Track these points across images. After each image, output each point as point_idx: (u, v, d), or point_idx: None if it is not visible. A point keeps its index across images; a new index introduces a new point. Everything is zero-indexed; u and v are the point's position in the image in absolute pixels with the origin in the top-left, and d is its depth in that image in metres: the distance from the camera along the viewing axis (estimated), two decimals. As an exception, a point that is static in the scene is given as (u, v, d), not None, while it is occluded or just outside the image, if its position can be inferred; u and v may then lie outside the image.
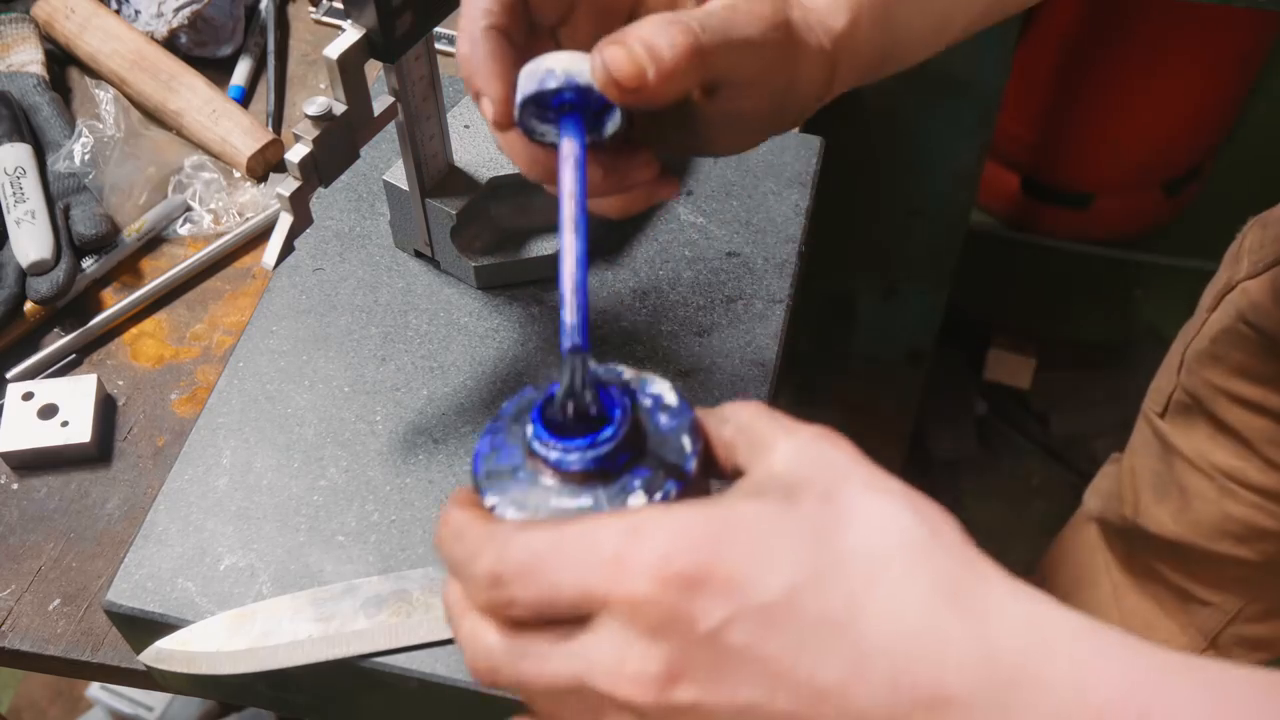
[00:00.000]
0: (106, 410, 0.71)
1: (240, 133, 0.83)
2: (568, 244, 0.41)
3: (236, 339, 0.67)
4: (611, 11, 0.48)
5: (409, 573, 0.57)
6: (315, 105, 0.56)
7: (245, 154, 0.82)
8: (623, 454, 0.40)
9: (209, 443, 0.62)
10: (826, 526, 0.34)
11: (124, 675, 0.63)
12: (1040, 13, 1.58)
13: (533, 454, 0.40)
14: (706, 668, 0.33)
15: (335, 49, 0.55)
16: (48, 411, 0.69)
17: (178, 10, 0.88)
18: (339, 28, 0.84)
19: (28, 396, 0.70)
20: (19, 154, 0.80)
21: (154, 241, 0.80)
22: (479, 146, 0.68)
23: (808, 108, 0.50)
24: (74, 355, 0.74)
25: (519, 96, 0.45)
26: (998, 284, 1.90)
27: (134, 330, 0.76)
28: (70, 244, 0.76)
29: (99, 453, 0.70)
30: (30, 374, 0.73)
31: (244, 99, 0.89)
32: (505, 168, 0.67)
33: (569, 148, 0.43)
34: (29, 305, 0.75)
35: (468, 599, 0.37)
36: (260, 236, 0.80)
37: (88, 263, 0.77)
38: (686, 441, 0.41)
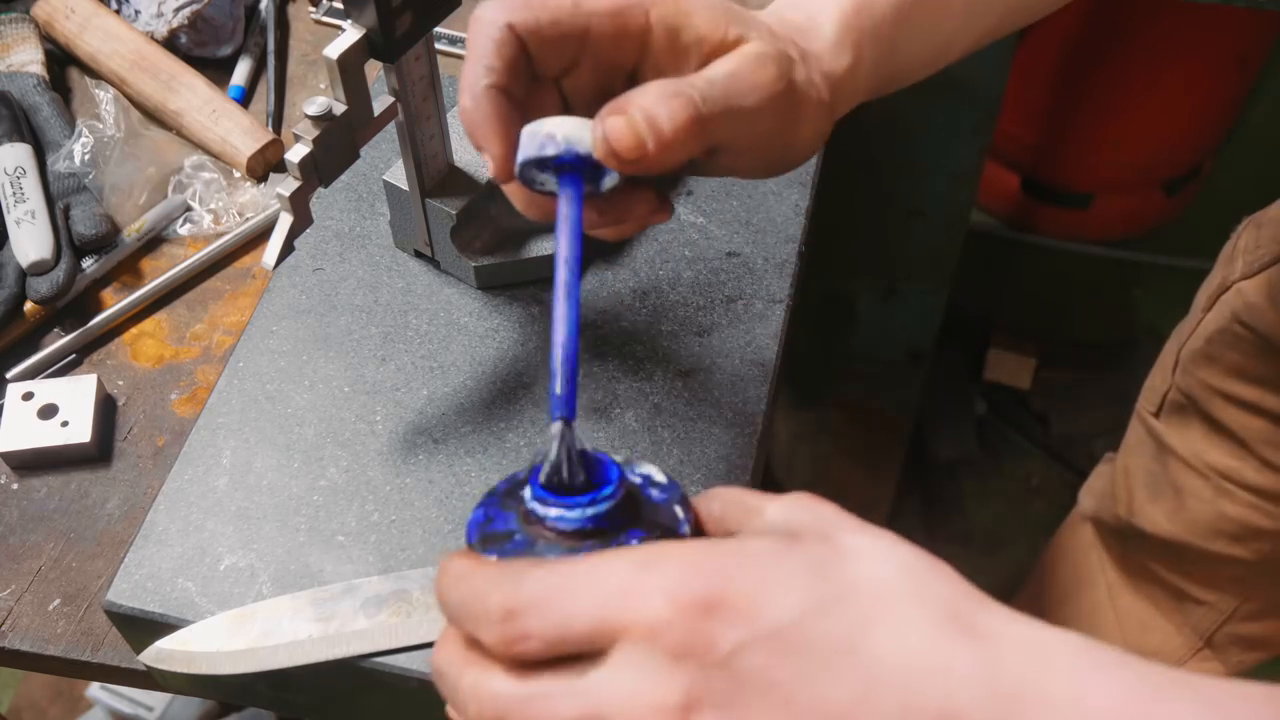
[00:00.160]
0: (106, 410, 0.71)
1: (240, 133, 0.83)
2: (561, 314, 0.42)
3: (236, 339, 0.67)
4: (614, 66, 0.48)
5: (409, 573, 0.57)
6: (315, 105, 0.57)
7: (245, 154, 0.82)
8: (619, 516, 0.40)
9: (209, 443, 0.62)
10: (829, 560, 0.35)
11: (124, 675, 0.63)
12: (1040, 13, 1.58)
13: (529, 519, 0.41)
14: (724, 694, 0.33)
15: (335, 49, 0.55)
16: (48, 411, 0.69)
17: (178, 10, 0.88)
18: (339, 28, 0.84)
19: (28, 396, 0.70)
20: (19, 154, 0.80)
21: (154, 241, 0.80)
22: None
23: (808, 156, 0.51)
24: (74, 355, 0.74)
25: (520, 156, 0.45)
26: (998, 284, 1.90)
27: (134, 330, 0.76)
28: (70, 244, 0.76)
29: (99, 453, 0.70)
30: (30, 374, 0.73)
31: (244, 99, 0.89)
32: (505, 168, 0.67)
33: (565, 210, 0.43)
34: (29, 305, 0.75)
35: (467, 653, 0.37)
36: (260, 236, 0.80)
37: (88, 263, 0.77)
38: (678, 510, 0.42)
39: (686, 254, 0.70)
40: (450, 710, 0.38)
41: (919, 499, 1.72)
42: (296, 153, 0.57)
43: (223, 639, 0.55)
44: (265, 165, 0.84)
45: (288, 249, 0.60)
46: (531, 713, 0.35)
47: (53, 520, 0.67)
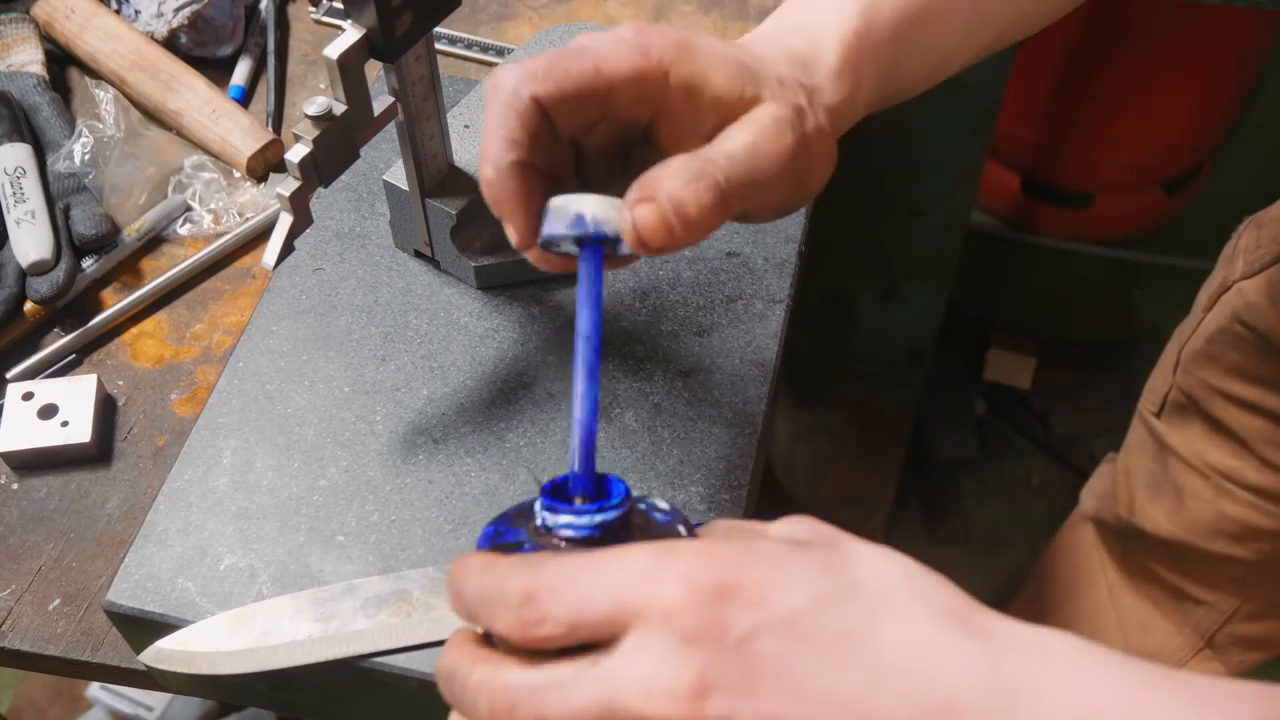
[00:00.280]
0: (106, 410, 0.71)
1: (240, 133, 0.83)
2: (581, 390, 0.43)
3: (236, 339, 0.67)
4: (631, 123, 0.48)
5: (409, 573, 0.57)
6: (315, 105, 0.57)
7: (245, 154, 0.82)
8: (625, 528, 0.42)
9: (209, 443, 0.62)
10: (835, 561, 0.37)
11: (124, 675, 0.63)
12: (1040, 13, 1.58)
13: (538, 533, 0.42)
14: (737, 678, 0.34)
15: (335, 49, 0.55)
16: (48, 411, 0.69)
17: (178, 10, 0.88)
18: (339, 28, 0.84)
19: (28, 396, 0.70)
20: (19, 154, 0.80)
21: (154, 241, 0.80)
22: (479, 146, 0.68)
23: (819, 190, 0.51)
24: (74, 355, 0.74)
25: (547, 231, 0.45)
26: (998, 284, 1.90)
27: (134, 330, 0.76)
28: (70, 244, 0.76)
29: (99, 453, 0.70)
30: (30, 374, 0.73)
31: (244, 99, 0.89)
32: (505, 168, 0.67)
33: (587, 284, 0.44)
34: (29, 305, 0.75)
35: (477, 650, 0.38)
36: (260, 236, 0.80)
37: (88, 263, 0.77)
38: (681, 529, 0.43)
39: (686, 254, 0.70)
40: (455, 717, 0.38)
41: (919, 499, 1.72)
42: (296, 153, 0.57)
43: (223, 639, 0.55)
44: (265, 165, 0.84)
45: (288, 249, 0.60)
46: (545, 700, 0.35)
47: (53, 520, 0.67)
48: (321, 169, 0.58)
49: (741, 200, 0.45)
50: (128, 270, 0.79)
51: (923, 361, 1.37)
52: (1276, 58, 1.76)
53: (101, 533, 0.67)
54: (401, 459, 0.62)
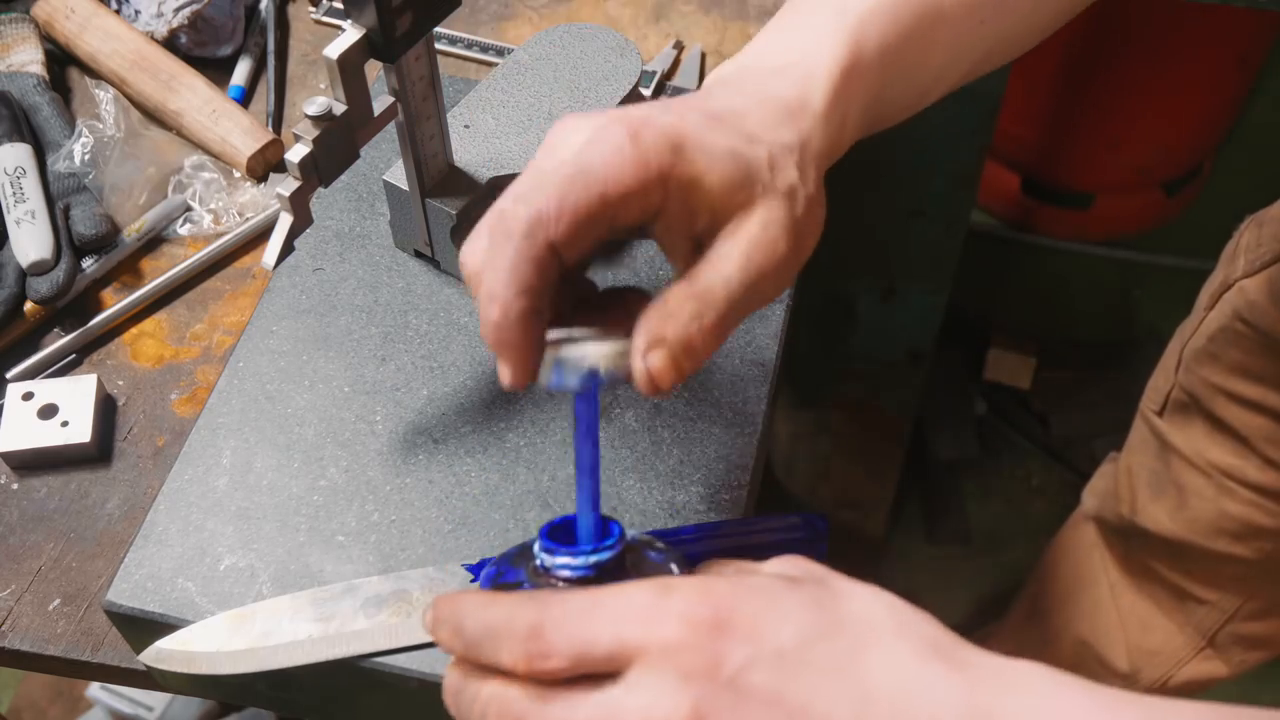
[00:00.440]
0: (106, 410, 0.71)
1: (240, 133, 0.83)
2: (586, 525, 0.45)
3: (236, 339, 0.67)
4: (628, 230, 0.47)
5: (409, 573, 0.57)
6: (315, 105, 0.57)
7: (245, 154, 0.82)
8: (620, 568, 0.44)
9: (209, 443, 0.62)
10: (824, 599, 0.39)
11: (124, 675, 0.63)
12: (1040, 13, 1.58)
13: (537, 573, 0.45)
14: (730, 709, 0.36)
15: (335, 49, 0.55)
16: (48, 411, 0.69)
17: (178, 10, 0.88)
18: (339, 28, 0.84)
19: (28, 396, 0.70)
20: (19, 154, 0.80)
21: (154, 241, 0.80)
22: (479, 146, 0.68)
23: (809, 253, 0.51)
24: (74, 355, 0.74)
25: (555, 382, 0.44)
26: (998, 284, 1.90)
27: (134, 330, 0.76)
28: (70, 244, 0.76)
29: (99, 453, 0.70)
30: (30, 374, 0.73)
31: (244, 99, 0.89)
32: (505, 168, 0.67)
33: (585, 418, 0.45)
34: (29, 305, 0.75)
35: (486, 669, 0.40)
36: (260, 236, 0.80)
37: (88, 263, 0.77)
38: (674, 567, 0.45)
39: (687, 254, 0.69)
40: None
41: (919, 499, 1.72)
42: (296, 153, 0.57)
43: (223, 639, 0.55)
44: (265, 165, 0.84)
45: (288, 249, 0.60)
46: (548, 716, 0.38)
47: (53, 520, 0.67)
48: (321, 169, 0.58)
49: (742, 316, 0.46)
50: (128, 270, 0.79)
51: (923, 361, 1.37)
52: (1276, 58, 1.76)
53: (101, 533, 0.67)
54: (401, 459, 0.61)
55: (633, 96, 0.72)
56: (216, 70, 0.89)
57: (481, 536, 0.59)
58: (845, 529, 1.57)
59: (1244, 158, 1.94)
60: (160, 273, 0.78)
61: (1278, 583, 0.98)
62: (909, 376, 1.39)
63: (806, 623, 0.38)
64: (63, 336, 0.75)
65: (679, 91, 0.87)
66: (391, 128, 0.62)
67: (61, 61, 0.91)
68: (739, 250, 0.45)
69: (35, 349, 0.74)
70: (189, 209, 0.81)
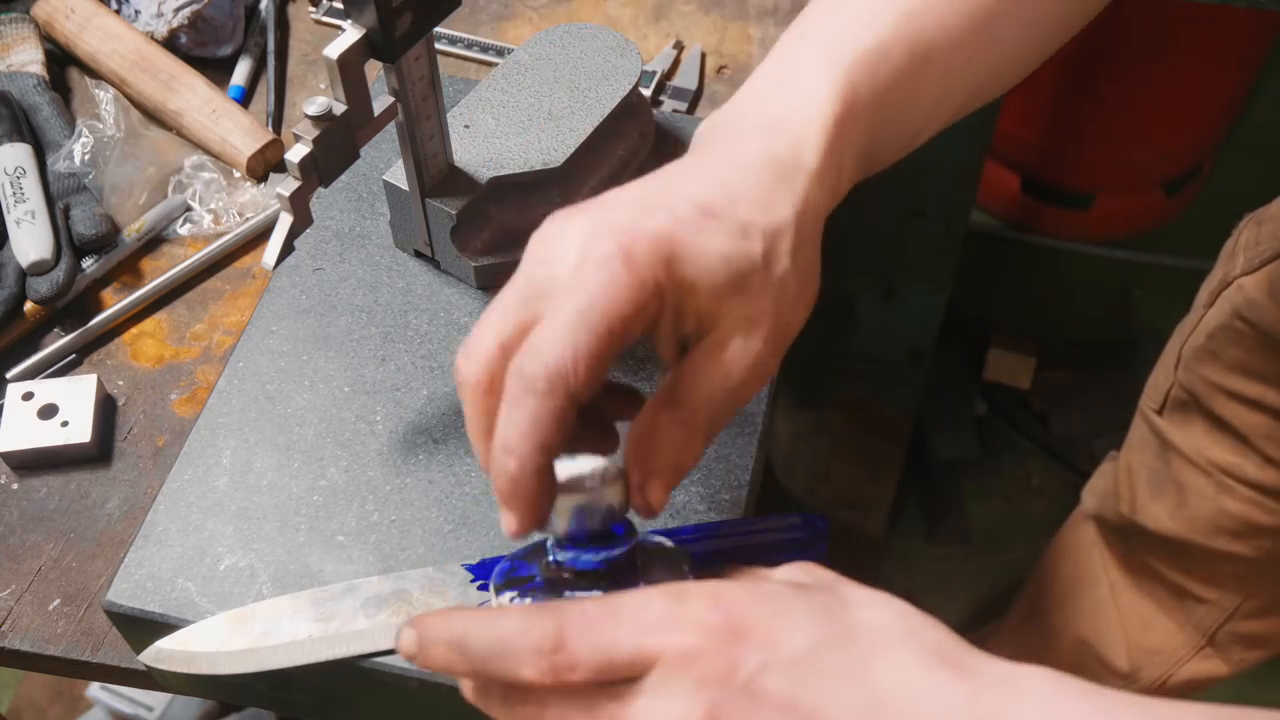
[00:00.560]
0: (106, 410, 0.71)
1: (240, 133, 0.83)
2: None
3: (236, 339, 0.67)
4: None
5: (409, 573, 0.57)
6: (315, 105, 0.57)
7: (245, 154, 0.82)
8: (631, 563, 0.45)
9: (209, 443, 0.62)
10: (835, 607, 0.40)
11: (124, 675, 0.63)
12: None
13: (549, 566, 0.46)
14: (744, 712, 0.38)
15: (335, 49, 0.55)
16: (48, 411, 0.69)
17: (178, 10, 0.88)
18: (339, 28, 0.84)
19: (28, 396, 0.70)
20: (19, 154, 0.80)
21: (154, 241, 0.80)
22: (479, 146, 0.68)
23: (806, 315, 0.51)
24: (74, 355, 0.74)
25: (575, 527, 0.45)
26: (998, 284, 1.90)
27: (134, 330, 0.76)
28: (70, 244, 0.76)
29: (99, 453, 0.70)
30: (30, 374, 0.73)
31: (244, 99, 0.89)
32: (505, 168, 0.67)
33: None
34: (29, 305, 0.75)
35: (507, 689, 0.41)
36: (260, 236, 0.80)
37: (88, 263, 0.77)
38: (685, 567, 0.47)
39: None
40: None
41: (919, 499, 1.72)
42: (296, 153, 0.57)
43: (223, 639, 0.55)
44: (265, 165, 0.84)
45: (288, 249, 0.60)
46: (567, 715, 0.39)
47: (53, 520, 0.67)
48: (321, 169, 0.58)
49: (727, 423, 0.47)
50: (128, 270, 0.79)
51: (923, 361, 1.37)
52: (1276, 58, 1.76)
53: (101, 533, 0.67)
54: (401, 459, 0.61)
55: (633, 96, 0.72)
56: (216, 70, 0.89)
57: (481, 536, 0.59)
58: (845, 529, 1.57)
59: (1244, 158, 1.94)
60: (160, 273, 0.78)
61: (1277, 581, 0.98)
62: (909, 376, 1.39)
63: (818, 631, 0.39)
64: (63, 336, 0.75)
65: (679, 91, 0.87)
66: (391, 128, 0.62)
67: (61, 61, 0.91)
68: (722, 370, 0.45)
69: (35, 349, 0.74)
70: (189, 209, 0.81)
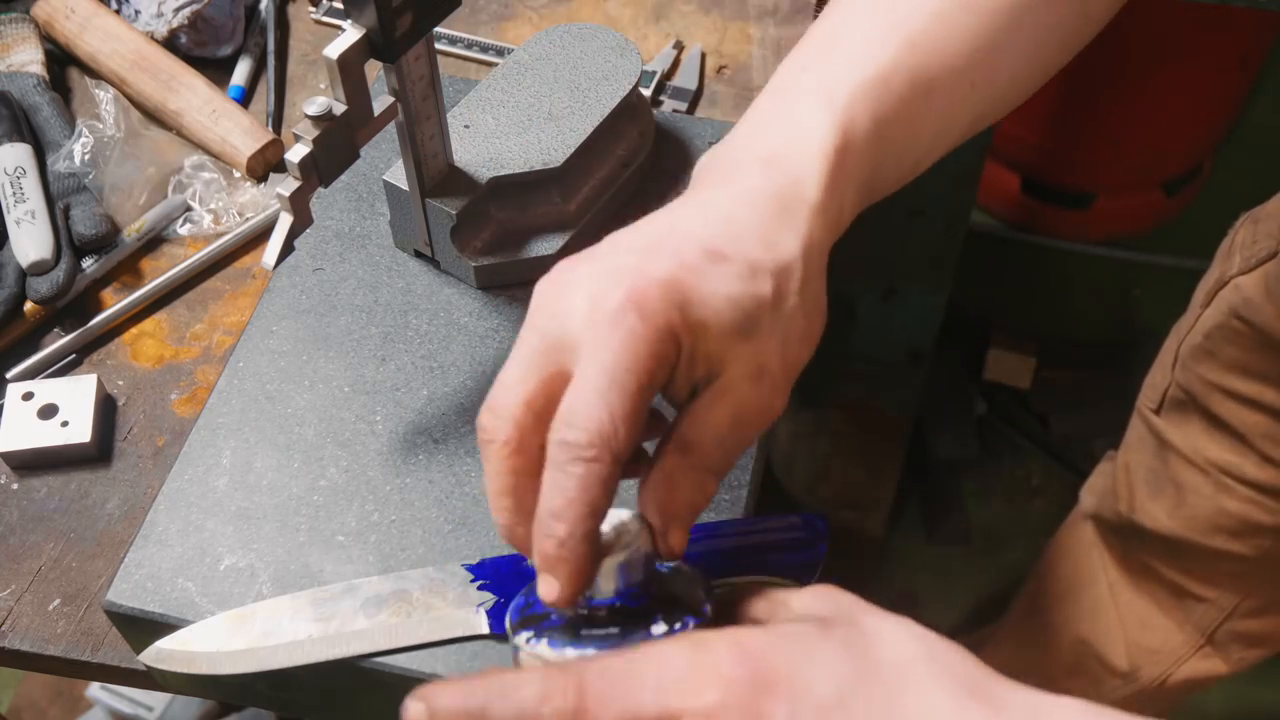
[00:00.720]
0: (106, 410, 0.71)
1: (240, 133, 0.83)
2: None
3: (236, 339, 0.67)
4: None
5: (409, 573, 0.57)
6: (315, 105, 0.57)
7: (245, 154, 0.82)
8: (648, 595, 0.45)
9: (209, 443, 0.62)
10: (858, 643, 0.39)
11: (124, 675, 0.63)
12: (1040, 13, 1.58)
13: None
14: None
15: (335, 49, 0.55)
16: (48, 411, 0.69)
17: (178, 10, 0.88)
18: (339, 28, 0.84)
19: (28, 396, 0.70)
20: (19, 154, 0.80)
21: (154, 241, 0.80)
22: (479, 146, 0.68)
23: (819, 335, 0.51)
24: (74, 355, 0.74)
25: (623, 583, 0.45)
26: (998, 284, 1.90)
27: (134, 330, 0.76)
28: (70, 244, 0.76)
29: (99, 453, 0.70)
30: (30, 374, 0.73)
31: (244, 99, 0.89)
32: (505, 168, 0.67)
33: None
34: (29, 305, 0.75)
35: None
36: (260, 236, 0.80)
37: (88, 263, 0.77)
38: (700, 592, 0.46)
39: (686, 254, 0.69)
40: None
41: (919, 499, 1.72)
42: (296, 153, 0.57)
43: (223, 639, 0.55)
44: (265, 165, 0.84)
45: (288, 249, 0.60)
46: None
47: (53, 520, 0.67)
48: (321, 169, 0.58)
49: (737, 459, 0.47)
50: (128, 270, 0.79)
51: (923, 361, 1.37)
52: (1276, 58, 1.76)
53: (101, 533, 0.67)
54: (401, 459, 0.62)
55: (633, 96, 0.72)
56: (216, 70, 0.89)
57: (481, 536, 0.59)
58: (845, 529, 1.57)
59: (1244, 158, 1.94)
60: (160, 273, 0.78)
61: (1276, 580, 0.98)
62: (909, 376, 1.39)
63: (843, 673, 0.38)
64: (63, 336, 0.75)
65: (679, 91, 0.87)
66: (391, 128, 0.62)
67: (61, 61, 0.91)
68: (732, 413, 0.45)
69: (35, 349, 0.74)
70: (189, 209, 0.81)
